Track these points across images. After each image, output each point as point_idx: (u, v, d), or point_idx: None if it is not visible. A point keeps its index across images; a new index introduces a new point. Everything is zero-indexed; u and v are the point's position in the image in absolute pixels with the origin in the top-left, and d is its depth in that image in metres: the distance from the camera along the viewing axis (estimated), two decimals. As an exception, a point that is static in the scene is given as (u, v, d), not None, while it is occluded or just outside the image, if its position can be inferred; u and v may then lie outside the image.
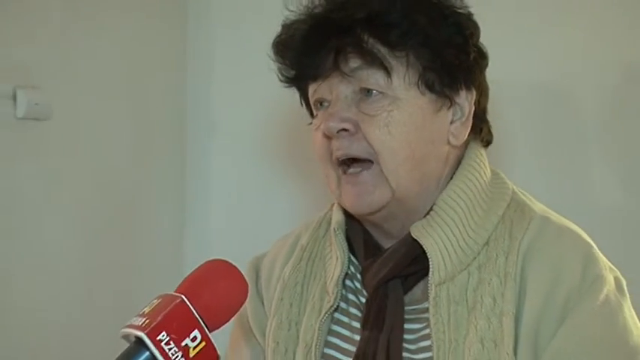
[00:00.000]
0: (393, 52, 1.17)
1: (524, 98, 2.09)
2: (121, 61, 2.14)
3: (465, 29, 1.23)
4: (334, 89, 1.20)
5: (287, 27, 1.25)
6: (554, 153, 2.09)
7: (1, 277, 1.85)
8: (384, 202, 1.20)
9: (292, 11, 1.26)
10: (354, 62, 1.17)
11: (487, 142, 1.30)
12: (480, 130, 1.28)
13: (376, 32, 1.16)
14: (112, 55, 2.11)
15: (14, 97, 1.85)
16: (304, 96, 1.28)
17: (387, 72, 1.17)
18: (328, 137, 1.20)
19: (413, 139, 1.19)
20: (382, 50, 1.17)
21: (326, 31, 1.18)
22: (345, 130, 1.18)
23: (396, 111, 1.17)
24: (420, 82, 1.18)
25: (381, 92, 1.18)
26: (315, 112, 1.25)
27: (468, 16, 1.25)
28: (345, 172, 1.21)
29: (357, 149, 1.19)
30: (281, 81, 1.27)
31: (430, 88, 1.19)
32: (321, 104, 1.22)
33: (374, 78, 1.17)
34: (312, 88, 1.23)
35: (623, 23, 2.02)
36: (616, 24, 2.03)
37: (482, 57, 1.26)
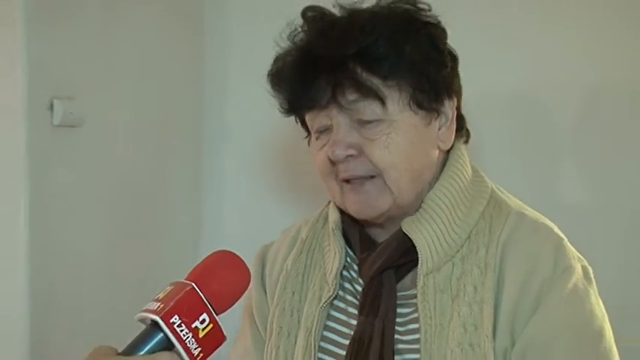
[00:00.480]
0: (386, 82, 1.17)
1: (504, 104, 2.10)
2: (144, 75, 2.14)
3: (437, 41, 1.23)
4: (333, 118, 1.19)
5: (281, 59, 1.24)
6: (530, 154, 2.09)
7: (43, 268, 1.84)
8: (387, 209, 1.21)
9: (289, 40, 1.24)
10: (351, 95, 1.16)
11: (467, 138, 1.30)
12: (460, 128, 1.27)
13: (368, 66, 1.15)
14: (137, 69, 2.11)
15: (51, 107, 1.85)
16: (301, 119, 1.28)
17: (382, 101, 1.17)
18: (334, 162, 1.19)
19: (410, 154, 1.19)
20: (375, 82, 1.16)
21: (319, 65, 1.16)
22: (351, 155, 1.18)
23: (393, 133, 1.17)
24: (411, 103, 1.18)
25: (378, 120, 1.17)
26: (315, 135, 1.24)
27: (437, 25, 1.24)
28: (348, 182, 1.21)
29: (362, 170, 1.19)
30: (280, 112, 1.27)
31: (420, 106, 1.19)
32: (322, 130, 1.22)
33: (370, 109, 1.17)
34: (309, 116, 1.23)
35: (597, 33, 2.02)
36: (589, 34, 2.02)
37: (454, 60, 1.26)
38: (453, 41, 1.25)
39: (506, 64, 2.07)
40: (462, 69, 1.28)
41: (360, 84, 1.15)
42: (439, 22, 1.24)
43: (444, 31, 1.24)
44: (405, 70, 1.16)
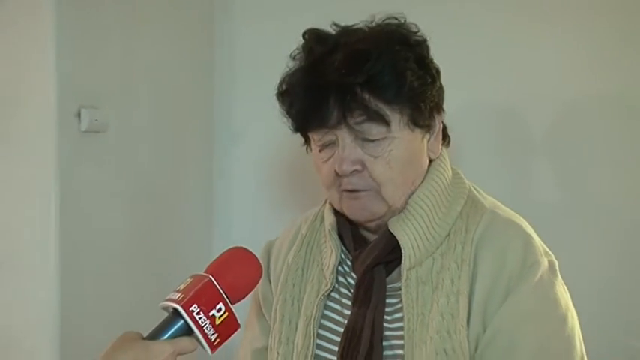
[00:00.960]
0: (391, 106, 1.16)
1: (483, 111, 2.10)
2: (160, 85, 2.15)
3: (427, 60, 1.22)
4: (339, 135, 1.17)
5: (287, 79, 1.22)
6: (505, 157, 2.09)
7: (71, 259, 1.86)
8: (381, 215, 1.21)
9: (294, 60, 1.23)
10: (359, 117, 1.15)
11: (448, 142, 1.30)
12: (444, 136, 1.28)
13: (374, 92, 1.14)
14: (153, 80, 2.12)
15: (79, 115, 1.86)
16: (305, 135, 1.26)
17: (387, 123, 1.16)
18: (340, 175, 1.18)
19: (407, 168, 1.20)
20: (381, 105, 1.15)
21: (329, 90, 1.15)
22: (357, 170, 1.17)
23: (395, 150, 1.17)
24: (410, 123, 1.18)
25: (382, 138, 1.17)
26: (318, 148, 1.22)
27: (424, 43, 1.23)
28: (349, 191, 1.20)
29: (363, 185, 1.19)
30: (290, 129, 1.25)
31: (417, 124, 1.19)
32: (327, 145, 1.20)
33: (376, 129, 1.16)
34: (316, 134, 1.21)
35: (566, 47, 2.01)
36: (559, 48, 2.02)
37: (439, 74, 1.25)
38: (438, 55, 1.26)
39: (485, 75, 2.07)
40: (447, 79, 1.27)
41: (367, 108, 1.14)
42: (425, 40, 1.24)
43: (428, 48, 1.24)
44: (406, 96, 1.16)
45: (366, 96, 1.14)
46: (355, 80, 1.13)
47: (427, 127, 1.22)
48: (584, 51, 2.01)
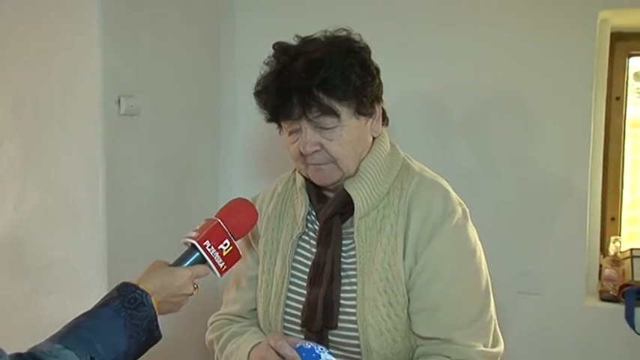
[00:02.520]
0: (340, 102, 1.12)
1: (416, 100, 2.09)
2: (180, 79, 2.13)
3: (368, 62, 1.18)
4: (302, 125, 1.14)
5: (262, 82, 1.18)
6: (433, 135, 2.10)
7: (116, 212, 1.86)
8: (337, 180, 1.19)
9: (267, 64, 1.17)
10: (316, 112, 1.12)
11: (387, 122, 1.27)
12: (383, 118, 1.25)
13: (327, 92, 1.11)
14: (174, 75, 2.10)
15: (119, 102, 1.85)
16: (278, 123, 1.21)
17: (338, 116, 1.13)
18: (304, 155, 1.16)
19: (355, 146, 1.16)
20: (332, 102, 1.12)
21: (293, 91, 1.12)
22: (316, 150, 1.15)
23: (344, 134, 1.14)
24: (355, 113, 1.15)
25: (334, 126, 1.14)
26: (288, 132, 1.18)
27: (366, 48, 1.18)
28: (311, 164, 1.17)
29: (323, 159, 1.16)
30: (264, 119, 1.20)
31: (361, 113, 1.16)
32: (294, 132, 1.17)
33: (329, 120, 1.13)
34: (284, 123, 1.18)
35: (480, 50, 2.01)
36: (476, 50, 2.02)
37: (378, 72, 1.20)
38: (378, 56, 1.21)
39: (416, 71, 2.06)
40: (385, 75, 1.22)
41: (322, 105, 1.12)
42: (367, 46, 1.19)
43: (369, 52, 1.19)
44: (352, 94, 1.13)
45: (321, 95, 1.11)
46: (312, 83, 1.10)
47: (369, 115, 1.19)
48: (494, 52, 2.02)
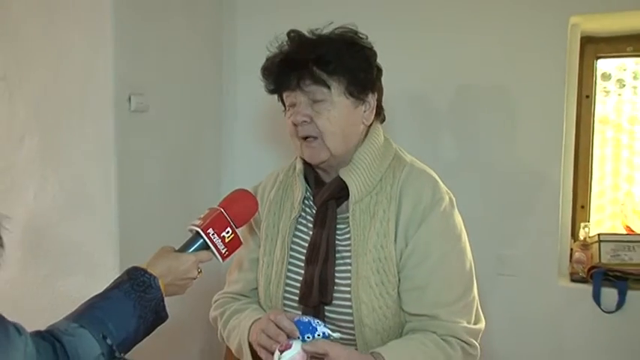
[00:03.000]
0: (331, 76, 1.13)
1: (408, 98, 2.07)
2: (184, 79, 2.12)
3: (369, 58, 1.19)
4: (297, 97, 1.16)
5: (270, 60, 1.20)
6: (422, 129, 2.09)
7: (126, 200, 1.86)
8: (326, 158, 1.18)
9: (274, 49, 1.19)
10: (308, 82, 1.14)
11: (383, 120, 1.28)
12: (379, 114, 1.25)
13: (320, 66, 1.13)
14: (180, 75, 2.09)
15: (129, 100, 1.85)
16: (282, 99, 1.23)
17: (328, 87, 1.13)
18: (295, 124, 1.17)
19: (343, 125, 1.16)
20: (324, 75, 1.13)
21: (292, 64, 1.15)
22: (305, 121, 1.15)
23: (333, 110, 1.14)
24: (346, 92, 1.15)
25: (324, 100, 1.14)
26: (288, 108, 1.20)
27: (370, 48, 1.20)
28: (305, 140, 1.18)
29: (311, 131, 1.16)
30: (266, 91, 1.23)
31: (352, 95, 1.16)
32: (291, 106, 1.18)
33: (320, 92, 1.14)
34: (285, 95, 1.20)
35: (466, 48, 2.00)
36: (459, 50, 2.00)
37: (379, 72, 1.22)
38: (381, 57, 1.23)
39: (406, 69, 2.03)
40: (386, 75, 1.23)
41: (314, 76, 1.14)
42: (372, 47, 1.20)
43: (375, 53, 1.21)
44: (342, 70, 1.14)
45: (314, 68, 1.13)
46: (308, 57, 1.13)
47: (360, 100, 1.18)
48: (476, 53, 2.01)
